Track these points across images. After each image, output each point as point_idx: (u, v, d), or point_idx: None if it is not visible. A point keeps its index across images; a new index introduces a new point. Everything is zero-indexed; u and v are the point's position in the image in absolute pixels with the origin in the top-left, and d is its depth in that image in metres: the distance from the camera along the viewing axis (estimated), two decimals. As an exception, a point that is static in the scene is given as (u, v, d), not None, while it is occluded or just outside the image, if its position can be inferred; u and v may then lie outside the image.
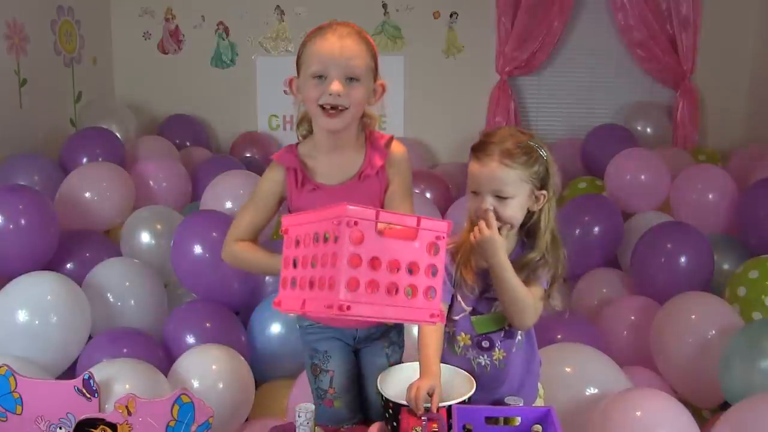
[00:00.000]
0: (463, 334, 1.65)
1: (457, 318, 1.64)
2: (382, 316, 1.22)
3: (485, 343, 1.64)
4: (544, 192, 1.59)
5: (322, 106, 1.55)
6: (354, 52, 1.54)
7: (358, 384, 1.77)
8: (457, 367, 1.64)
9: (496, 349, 1.64)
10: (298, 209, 1.59)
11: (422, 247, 1.23)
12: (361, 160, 1.64)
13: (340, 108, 1.55)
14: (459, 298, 1.64)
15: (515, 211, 1.56)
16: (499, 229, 1.54)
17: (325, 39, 1.54)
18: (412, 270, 1.23)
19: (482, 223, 1.52)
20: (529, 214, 1.60)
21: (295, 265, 1.30)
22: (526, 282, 1.56)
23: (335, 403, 1.70)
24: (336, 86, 1.52)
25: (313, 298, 1.21)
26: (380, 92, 1.62)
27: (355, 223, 1.15)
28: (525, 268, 1.58)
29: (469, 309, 1.63)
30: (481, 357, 1.65)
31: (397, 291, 1.20)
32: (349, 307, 1.14)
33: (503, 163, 1.53)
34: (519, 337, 1.66)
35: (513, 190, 1.54)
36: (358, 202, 1.58)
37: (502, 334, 1.63)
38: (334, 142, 1.63)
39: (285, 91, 4.78)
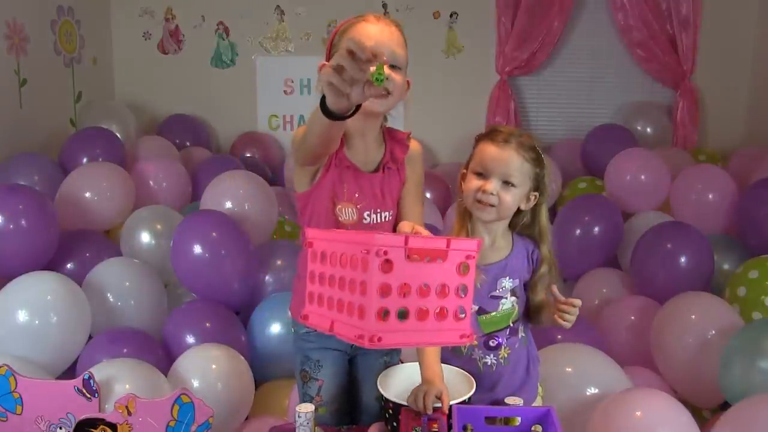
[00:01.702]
0: None
1: None
2: (413, 343, 1.22)
3: (493, 342, 1.66)
4: (536, 194, 1.65)
5: None
6: (399, 40, 1.55)
7: (351, 391, 1.77)
8: (461, 367, 1.65)
9: (503, 347, 1.66)
10: (326, 183, 1.57)
11: (452, 268, 1.21)
12: (381, 152, 1.64)
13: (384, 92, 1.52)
14: None
15: (513, 200, 1.61)
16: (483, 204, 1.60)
17: (371, 24, 1.55)
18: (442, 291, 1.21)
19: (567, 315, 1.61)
20: (519, 214, 1.66)
21: (320, 281, 1.28)
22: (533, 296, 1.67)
23: (320, 410, 1.70)
24: (386, 69, 1.47)
25: (342, 322, 1.20)
26: (407, 88, 1.61)
27: (385, 252, 1.13)
28: (540, 283, 1.66)
29: (475, 308, 1.64)
30: (487, 356, 1.67)
31: (427, 315, 1.19)
32: (380, 339, 1.13)
33: (519, 153, 1.60)
34: (522, 334, 1.68)
35: (519, 180, 1.60)
36: (381, 194, 1.61)
37: (507, 332, 1.67)
38: (362, 128, 1.60)
39: (285, 92, 4.78)
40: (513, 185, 1.59)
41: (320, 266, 1.28)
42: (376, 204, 1.62)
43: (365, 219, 1.61)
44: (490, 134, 1.64)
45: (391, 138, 1.66)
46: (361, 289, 1.15)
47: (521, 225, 1.69)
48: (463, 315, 1.23)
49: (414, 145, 1.70)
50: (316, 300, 1.28)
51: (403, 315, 1.17)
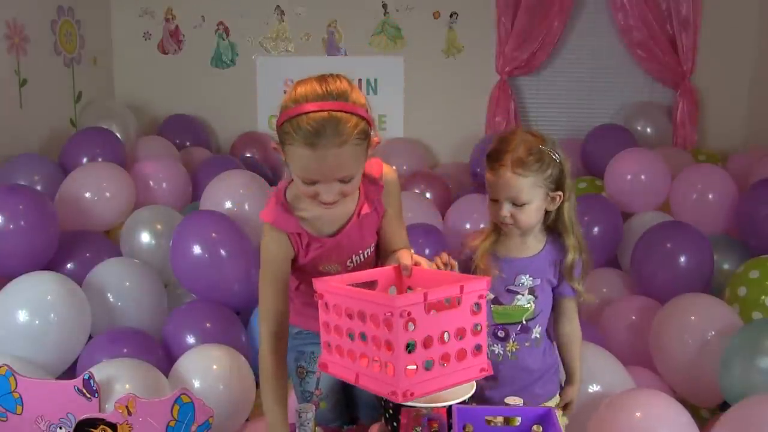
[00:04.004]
0: None
1: None
2: (440, 388, 1.27)
3: (501, 333, 1.69)
4: (559, 193, 1.63)
5: None
6: (341, 165, 1.36)
7: (348, 385, 1.75)
8: None
9: (511, 341, 1.69)
10: (306, 264, 1.56)
11: (466, 310, 1.26)
12: (355, 201, 1.54)
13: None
14: None
15: (531, 215, 1.62)
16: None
17: (308, 156, 1.34)
18: (461, 336, 1.27)
19: None
20: (549, 212, 1.67)
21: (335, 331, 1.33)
22: (571, 284, 1.69)
23: (321, 405, 1.70)
24: (330, 197, 1.40)
25: (368, 376, 1.25)
26: (374, 146, 1.46)
27: (409, 314, 1.17)
28: (571, 272, 1.68)
29: (491, 296, 1.67)
30: (495, 345, 1.70)
31: (449, 359, 1.25)
32: (412, 393, 1.19)
33: (516, 173, 1.58)
34: (536, 335, 1.70)
35: (528, 196, 1.60)
36: (359, 239, 1.58)
37: (519, 328, 1.69)
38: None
39: (285, 92, 4.77)
40: (524, 203, 1.60)
41: (334, 318, 1.31)
42: (357, 248, 1.59)
43: (349, 266, 1.59)
44: (488, 157, 1.64)
45: (365, 181, 1.52)
46: (387, 347, 1.20)
47: (552, 222, 1.70)
48: (480, 349, 1.29)
49: (388, 178, 1.58)
50: (334, 350, 1.33)
51: (429, 365, 1.23)
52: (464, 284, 1.25)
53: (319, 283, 1.34)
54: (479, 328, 1.28)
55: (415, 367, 1.23)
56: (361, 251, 1.60)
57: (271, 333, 1.54)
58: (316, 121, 1.31)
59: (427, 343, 1.22)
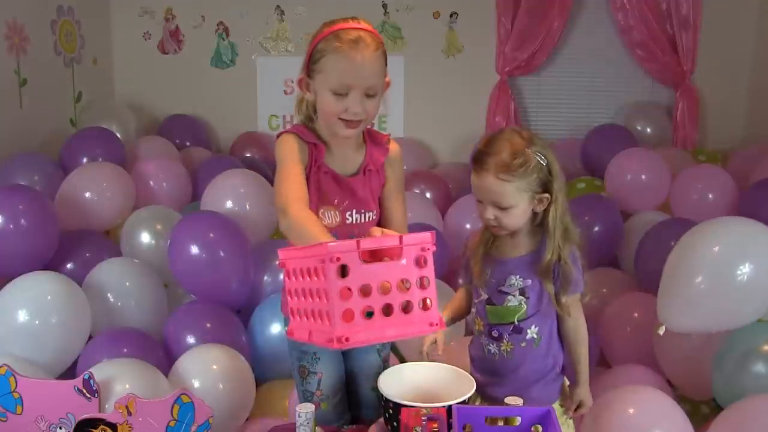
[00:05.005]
0: (479, 318, 1.72)
1: (476, 301, 1.72)
2: (382, 338, 1.27)
3: (495, 333, 1.70)
4: (546, 195, 1.61)
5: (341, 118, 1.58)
6: (374, 71, 1.56)
7: (348, 384, 1.78)
8: (472, 347, 1.75)
9: (504, 341, 1.69)
10: (309, 190, 1.60)
11: (410, 263, 1.26)
12: (363, 154, 1.68)
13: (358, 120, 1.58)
14: (478, 285, 1.70)
15: (516, 218, 1.61)
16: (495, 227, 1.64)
17: (348, 58, 1.53)
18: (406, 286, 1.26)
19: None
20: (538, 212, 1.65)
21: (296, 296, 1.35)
22: (563, 290, 1.64)
23: (322, 405, 1.71)
24: (358, 108, 1.55)
25: (317, 330, 1.27)
26: (385, 88, 1.63)
27: (338, 259, 1.19)
28: (548, 271, 1.63)
29: (484, 297, 1.69)
30: (491, 345, 1.71)
31: (392, 310, 1.24)
32: (347, 339, 1.19)
33: (499, 178, 1.56)
34: (532, 335, 1.68)
35: (511, 200, 1.58)
36: (362, 195, 1.65)
37: (511, 329, 1.68)
38: (342, 141, 1.65)
39: (285, 92, 4.79)
40: (507, 207, 1.59)
41: (294, 283, 1.33)
42: (359, 205, 1.66)
43: (348, 219, 1.65)
44: (472, 159, 1.64)
45: (372, 141, 1.70)
46: (326, 296, 1.21)
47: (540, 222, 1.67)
48: (430, 304, 1.28)
49: (393, 147, 1.74)
50: (297, 314, 1.34)
51: (369, 314, 1.22)
52: (404, 236, 1.27)
53: (281, 253, 1.37)
54: (428, 282, 1.28)
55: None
56: (363, 210, 1.66)
57: (303, 200, 1.52)
58: (355, 32, 1.56)
59: (364, 291, 1.22)
